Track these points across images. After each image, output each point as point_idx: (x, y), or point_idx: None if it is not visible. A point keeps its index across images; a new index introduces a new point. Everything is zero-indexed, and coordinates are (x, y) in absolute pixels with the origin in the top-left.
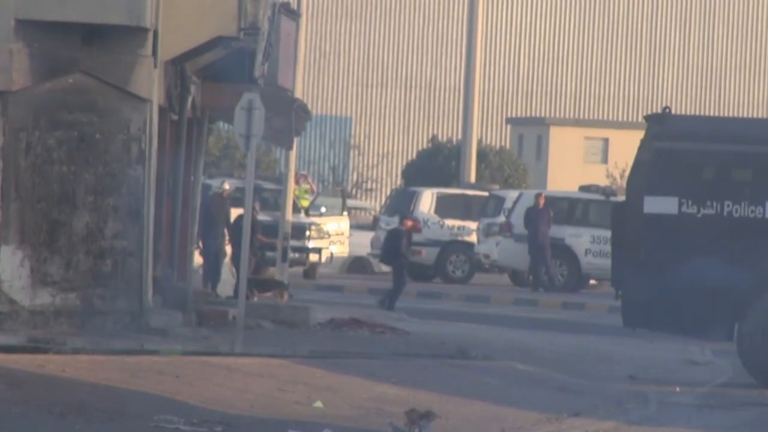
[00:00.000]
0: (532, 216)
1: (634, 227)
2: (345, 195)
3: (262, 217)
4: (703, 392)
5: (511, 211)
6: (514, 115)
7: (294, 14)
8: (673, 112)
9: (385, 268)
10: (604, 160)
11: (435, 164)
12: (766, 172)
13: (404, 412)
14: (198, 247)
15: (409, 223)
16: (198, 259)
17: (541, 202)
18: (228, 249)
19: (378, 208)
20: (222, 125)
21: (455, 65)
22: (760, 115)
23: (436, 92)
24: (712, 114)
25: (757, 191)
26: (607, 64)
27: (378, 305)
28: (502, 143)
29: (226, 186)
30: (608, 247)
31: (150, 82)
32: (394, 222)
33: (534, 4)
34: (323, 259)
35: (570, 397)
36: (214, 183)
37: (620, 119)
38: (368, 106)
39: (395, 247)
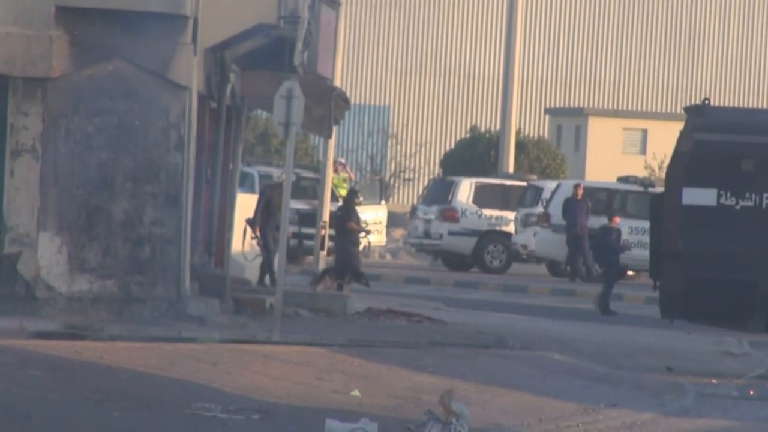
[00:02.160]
0: (571, 207)
1: (672, 219)
2: (383, 184)
3: (300, 205)
4: (740, 384)
5: (549, 201)
6: (552, 105)
7: (334, 2)
8: (712, 103)
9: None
10: (643, 151)
11: (473, 154)
12: None
13: (438, 402)
14: (256, 237)
15: (617, 219)
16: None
17: (580, 192)
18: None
19: (416, 198)
20: (259, 112)
21: (494, 54)
22: None
23: (475, 81)
24: (751, 105)
25: None
26: (646, 54)
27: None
28: (541, 133)
29: (283, 177)
30: (646, 238)
31: (189, 70)
32: (431, 211)
33: None
34: (360, 248)
35: (607, 388)
36: (276, 173)
37: (659, 110)
38: (407, 95)
39: (606, 244)
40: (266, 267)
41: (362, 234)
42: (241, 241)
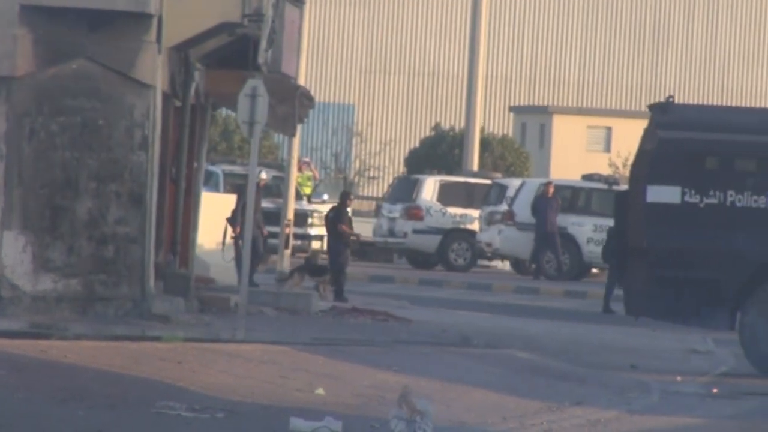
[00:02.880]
0: (542, 204)
1: (636, 216)
2: (347, 182)
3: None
4: (705, 381)
5: (513, 199)
6: (517, 104)
7: (298, 1)
8: (676, 101)
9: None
10: (607, 149)
11: (438, 152)
12: None
13: (396, 401)
14: (234, 237)
15: None
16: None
17: (550, 190)
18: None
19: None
20: (222, 110)
21: (458, 53)
22: (763, 105)
23: (439, 80)
24: (715, 103)
25: (760, 181)
26: (610, 52)
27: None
28: (505, 131)
29: (263, 175)
30: None
31: (154, 69)
32: (396, 210)
33: None
34: (325, 246)
35: (572, 386)
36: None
37: (623, 108)
38: (371, 94)
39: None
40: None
41: (353, 237)
42: (222, 241)
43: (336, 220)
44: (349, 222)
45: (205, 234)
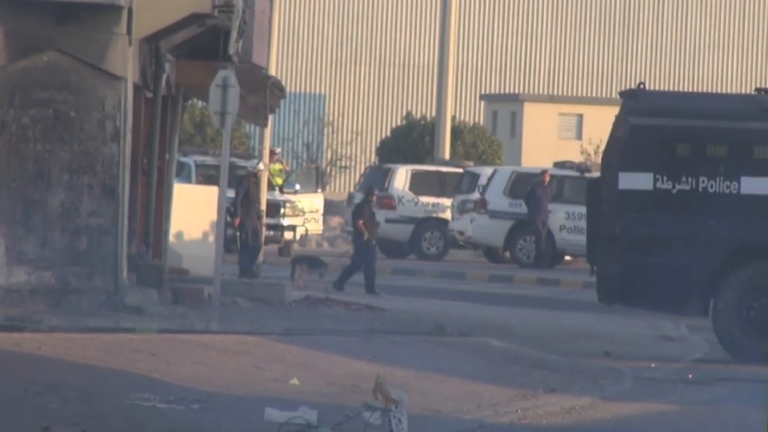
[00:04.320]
0: (538, 193)
1: (609, 203)
2: (319, 172)
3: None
4: (678, 368)
5: (485, 187)
6: (488, 92)
7: None
8: (647, 88)
9: None
10: (579, 137)
11: (409, 141)
12: (741, 148)
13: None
14: (236, 229)
15: None
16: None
17: (546, 178)
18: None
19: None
20: (197, 102)
21: (429, 42)
22: (733, 91)
23: (410, 69)
24: (686, 90)
25: (731, 167)
26: (580, 40)
27: None
28: (476, 120)
29: (261, 166)
30: (583, 223)
31: (124, 60)
32: None
33: None
34: (298, 237)
35: (545, 374)
36: (249, 164)
37: (594, 95)
38: (342, 84)
39: None
40: (246, 257)
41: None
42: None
43: (355, 215)
44: (371, 218)
45: (177, 225)
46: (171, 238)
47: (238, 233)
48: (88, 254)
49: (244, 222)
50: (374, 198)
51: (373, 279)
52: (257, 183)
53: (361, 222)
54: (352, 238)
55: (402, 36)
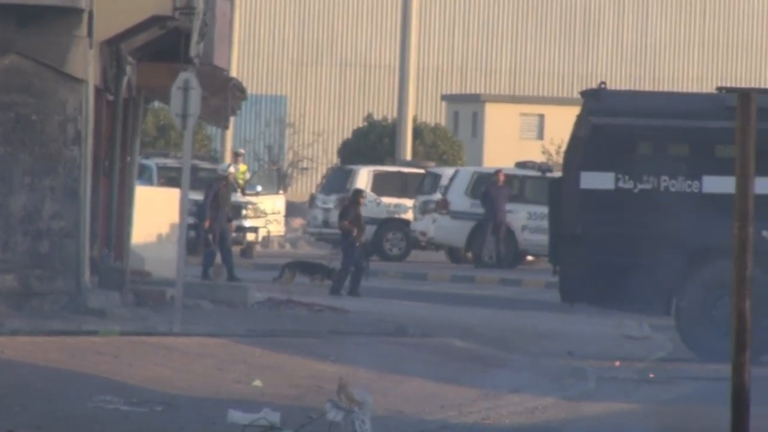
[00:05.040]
0: (493, 193)
1: (570, 203)
2: (281, 174)
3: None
4: (642, 367)
5: (447, 188)
6: (449, 93)
7: None
8: (608, 87)
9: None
10: (540, 137)
11: (369, 142)
12: (702, 147)
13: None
14: (205, 231)
15: None
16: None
17: (501, 178)
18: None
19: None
20: (161, 106)
21: (390, 43)
22: (694, 90)
23: (371, 70)
24: (647, 89)
25: (693, 166)
26: (541, 40)
27: None
28: (438, 120)
29: (232, 170)
30: (545, 223)
31: (86, 63)
32: (330, 200)
33: None
34: (260, 238)
35: (509, 374)
36: (220, 167)
37: (556, 95)
38: (303, 85)
39: None
40: (210, 261)
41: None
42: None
43: (341, 216)
44: (357, 220)
45: (139, 228)
46: (133, 240)
47: (210, 236)
48: (50, 257)
49: (213, 224)
50: (363, 200)
51: (359, 281)
52: (227, 186)
53: (346, 222)
54: (340, 241)
55: (363, 37)
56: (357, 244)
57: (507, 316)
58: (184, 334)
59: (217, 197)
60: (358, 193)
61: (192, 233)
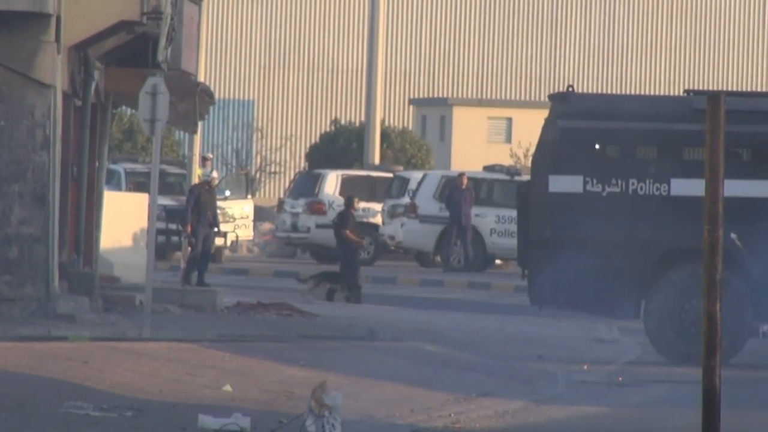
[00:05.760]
0: (456, 196)
1: (539, 206)
2: (249, 178)
3: (167, 201)
4: (611, 370)
5: (415, 192)
6: (416, 96)
7: None
8: (576, 90)
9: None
10: (508, 140)
11: (337, 146)
12: (670, 150)
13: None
14: (187, 236)
15: None
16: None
17: (464, 182)
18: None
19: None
20: (125, 109)
21: (357, 47)
22: (662, 93)
23: (339, 74)
24: (614, 92)
25: (661, 169)
26: (509, 43)
27: None
28: (405, 124)
29: (215, 175)
30: (513, 227)
31: (53, 68)
32: (298, 205)
33: None
34: (228, 243)
35: (479, 377)
36: (204, 172)
37: (523, 98)
38: (271, 89)
39: None
40: (193, 266)
41: (357, 242)
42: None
43: (341, 225)
44: (355, 226)
45: (108, 233)
46: (102, 246)
47: (192, 240)
48: (19, 263)
49: (196, 229)
50: (357, 206)
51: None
52: (210, 191)
53: (347, 231)
54: (337, 250)
55: (330, 41)
56: (363, 247)
57: (476, 320)
58: (154, 339)
59: (198, 202)
60: (352, 199)
61: (161, 238)
